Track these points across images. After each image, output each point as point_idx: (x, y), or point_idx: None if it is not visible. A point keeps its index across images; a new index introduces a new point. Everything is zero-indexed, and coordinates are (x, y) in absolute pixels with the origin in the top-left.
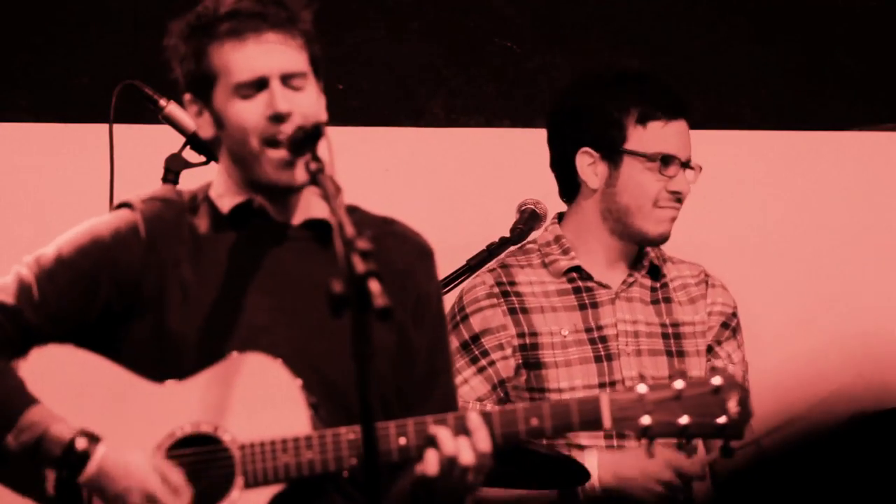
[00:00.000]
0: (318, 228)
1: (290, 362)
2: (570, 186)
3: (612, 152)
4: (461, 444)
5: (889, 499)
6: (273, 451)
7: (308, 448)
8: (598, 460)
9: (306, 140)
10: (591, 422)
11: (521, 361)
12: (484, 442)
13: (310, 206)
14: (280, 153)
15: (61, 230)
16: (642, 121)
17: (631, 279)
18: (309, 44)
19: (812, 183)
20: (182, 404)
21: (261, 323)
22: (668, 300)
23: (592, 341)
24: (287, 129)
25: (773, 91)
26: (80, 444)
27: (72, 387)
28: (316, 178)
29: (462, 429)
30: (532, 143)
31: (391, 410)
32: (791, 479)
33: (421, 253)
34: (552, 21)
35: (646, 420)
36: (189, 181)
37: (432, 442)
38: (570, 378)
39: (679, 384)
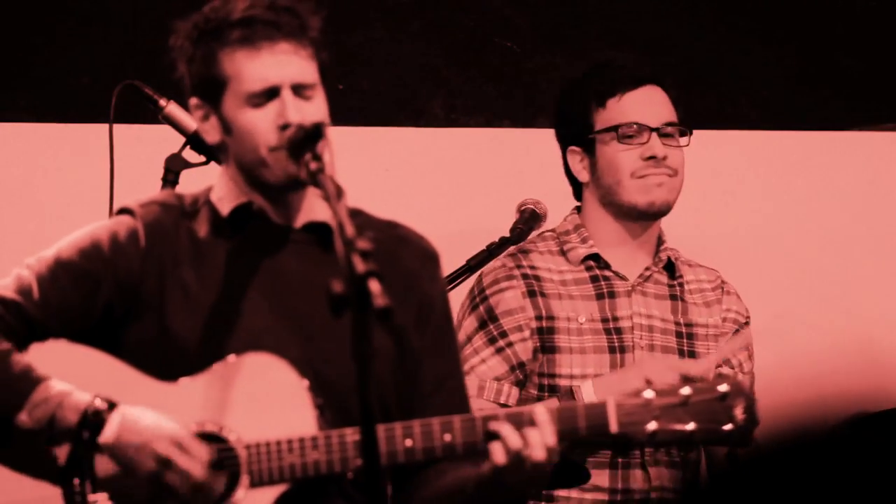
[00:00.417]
0: (319, 231)
1: (291, 365)
2: (575, 186)
3: (586, 142)
4: (531, 436)
5: (890, 500)
6: (279, 451)
7: (314, 448)
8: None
9: (306, 140)
10: (598, 426)
11: (538, 345)
12: (550, 436)
13: (311, 209)
14: (283, 154)
15: (61, 230)
16: (600, 102)
17: (648, 273)
18: (318, 53)
19: (812, 183)
20: (187, 403)
21: (261, 326)
22: (683, 299)
23: (608, 331)
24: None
25: (773, 91)
26: (98, 404)
27: (76, 382)
28: (316, 177)
29: (526, 423)
30: (532, 144)
31: (390, 414)
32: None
33: (426, 257)
34: (552, 21)
35: (652, 425)
36: (189, 181)
37: (493, 437)
38: (583, 365)
39: (686, 390)
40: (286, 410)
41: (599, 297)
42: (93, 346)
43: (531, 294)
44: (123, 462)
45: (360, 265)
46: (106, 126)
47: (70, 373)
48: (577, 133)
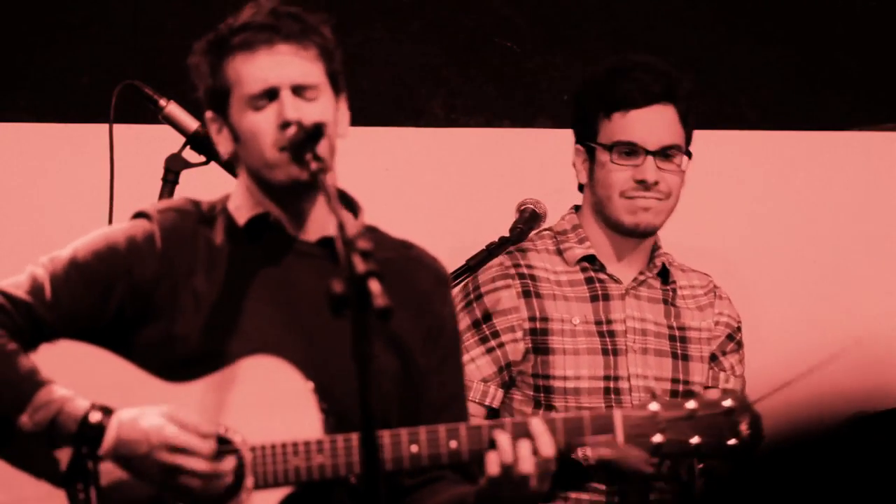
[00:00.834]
0: (334, 246)
1: (297, 369)
2: (579, 182)
3: (588, 147)
4: (521, 449)
5: (890, 499)
6: (284, 454)
7: (319, 452)
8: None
9: (307, 140)
10: (604, 437)
11: (530, 346)
12: (547, 447)
13: (326, 224)
14: (285, 155)
15: (61, 230)
16: (607, 113)
17: (642, 277)
18: (325, 56)
19: (812, 183)
20: (193, 404)
21: (271, 337)
22: (675, 304)
23: (601, 334)
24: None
25: (773, 91)
26: (94, 417)
27: (83, 382)
28: (317, 177)
29: (523, 434)
30: (532, 143)
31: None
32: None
33: (438, 279)
34: (552, 21)
35: (658, 438)
36: (189, 181)
37: (492, 446)
38: (576, 367)
39: (692, 404)
40: (292, 414)
41: (594, 299)
42: (101, 346)
43: (526, 294)
44: (127, 468)
45: (359, 265)
46: (106, 126)
47: (78, 372)
48: (583, 134)
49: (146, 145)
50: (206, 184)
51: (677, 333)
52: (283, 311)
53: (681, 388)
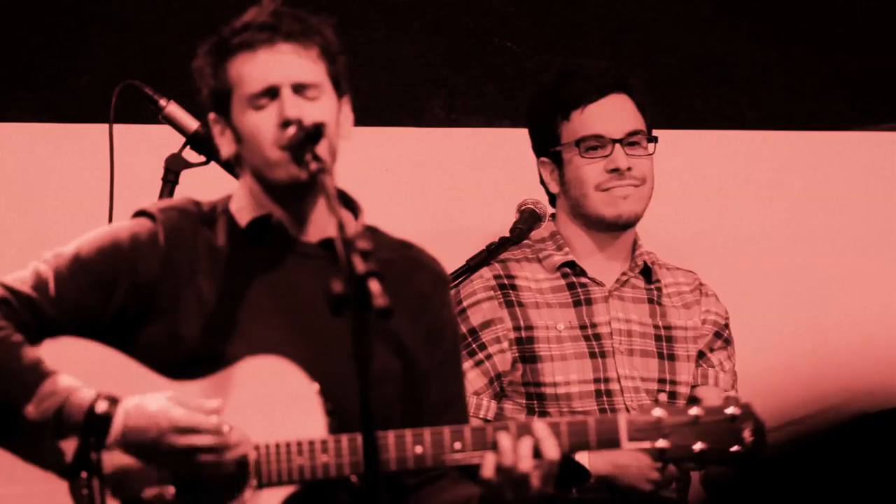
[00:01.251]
0: (335, 247)
1: (302, 369)
2: (550, 195)
3: (554, 154)
4: (521, 448)
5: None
6: (288, 453)
7: (323, 451)
8: (588, 456)
9: (306, 139)
10: (608, 441)
11: (517, 355)
12: (552, 449)
13: (328, 226)
14: (286, 154)
15: (62, 229)
16: (565, 114)
17: (624, 278)
18: (327, 57)
19: (812, 183)
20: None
21: (273, 338)
22: (661, 303)
23: (587, 338)
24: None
25: (772, 91)
26: (101, 406)
27: (88, 379)
28: (316, 178)
29: (525, 434)
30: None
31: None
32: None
33: (437, 280)
34: (552, 21)
35: (662, 443)
36: (189, 181)
37: (494, 447)
38: (565, 372)
39: (696, 410)
40: (296, 414)
41: (577, 303)
42: (104, 344)
43: (509, 304)
44: (136, 455)
45: (359, 265)
46: (106, 126)
47: (83, 369)
48: (545, 144)
49: (146, 145)
50: (205, 184)
51: (663, 333)
52: (285, 313)
53: (667, 388)
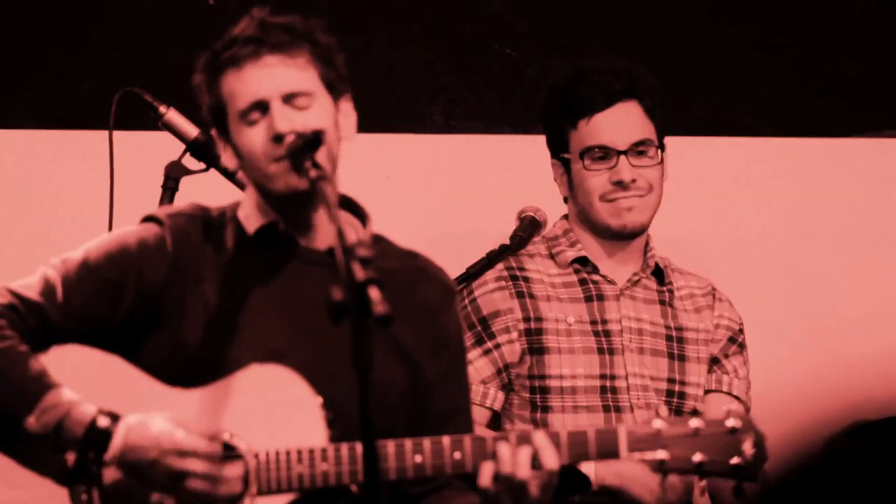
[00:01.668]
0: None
1: (304, 379)
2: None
3: (562, 160)
4: (520, 455)
5: None
6: (288, 461)
7: (323, 460)
8: (594, 466)
9: (305, 147)
10: (608, 452)
11: (525, 346)
12: (551, 459)
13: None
14: (284, 164)
15: (62, 237)
16: (573, 122)
17: (636, 278)
18: (319, 61)
19: (813, 189)
20: (198, 410)
21: (279, 346)
22: (672, 305)
23: (596, 333)
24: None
25: (773, 97)
26: (102, 422)
27: (90, 387)
28: (316, 185)
29: (524, 444)
30: (532, 150)
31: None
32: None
33: (444, 291)
34: (552, 27)
35: (661, 454)
36: (189, 188)
37: (493, 457)
38: (572, 365)
39: (696, 422)
40: (298, 423)
41: (588, 299)
42: (109, 351)
43: (519, 295)
44: (132, 474)
45: (359, 272)
46: (106, 133)
47: (86, 378)
48: (554, 148)
49: (146, 152)
50: (206, 191)
51: (674, 334)
52: (291, 320)
53: (676, 387)
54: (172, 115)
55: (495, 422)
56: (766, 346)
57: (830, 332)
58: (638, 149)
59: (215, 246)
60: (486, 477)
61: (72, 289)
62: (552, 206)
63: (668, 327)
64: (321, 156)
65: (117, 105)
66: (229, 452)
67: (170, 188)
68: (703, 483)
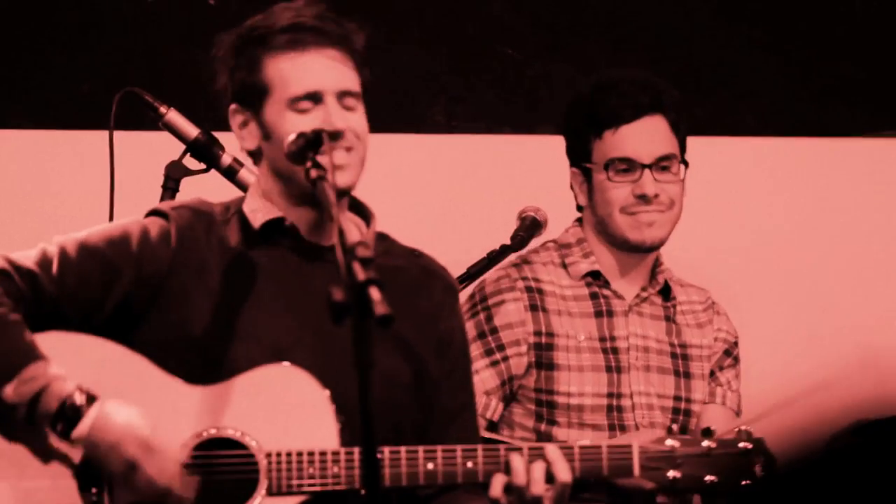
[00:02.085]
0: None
1: (315, 378)
2: (578, 203)
3: (584, 169)
4: (535, 471)
5: None
6: (299, 462)
7: (335, 463)
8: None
9: (307, 147)
10: (621, 469)
11: (533, 360)
12: (564, 472)
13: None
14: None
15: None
16: (598, 132)
17: (644, 294)
18: (360, 66)
19: (814, 190)
20: (210, 407)
21: (285, 341)
22: (675, 321)
23: (605, 351)
24: (341, 145)
25: (774, 98)
26: (78, 399)
27: (98, 377)
28: (316, 184)
29: (538, 458)
30: (533, 150)
31: (405, 440)
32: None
33: (447, 289)
34: (553, 28)
35: (673, 473)
36: (189, 188)
37: (506, 468)
38: (580, 384)
39: (708, 443)
40: (309, 422)
41: (598, 314)
42: (109, 338)
43: (533, 308)
44: (93, 453)
45: (360, 273)
46: (106, 133)
47: (94, 367)
48: (576, 157)
49: (146, 152)
50: (206, 191)
51: (679, 351)
52: (296, 315)
53: (682, 405)
54: (173, 116)
55: (490, 430)
56: (766, 346)
57: (830, 332)
58: (662, 164)
59: (221, 240)
60: (497, 488)
61: (67, 264)
62: (553, 206)
63: (672, 344)
64: (354, 160)
65: (118, 105)
66: (239, 450)
67: (170, 188)
68: None
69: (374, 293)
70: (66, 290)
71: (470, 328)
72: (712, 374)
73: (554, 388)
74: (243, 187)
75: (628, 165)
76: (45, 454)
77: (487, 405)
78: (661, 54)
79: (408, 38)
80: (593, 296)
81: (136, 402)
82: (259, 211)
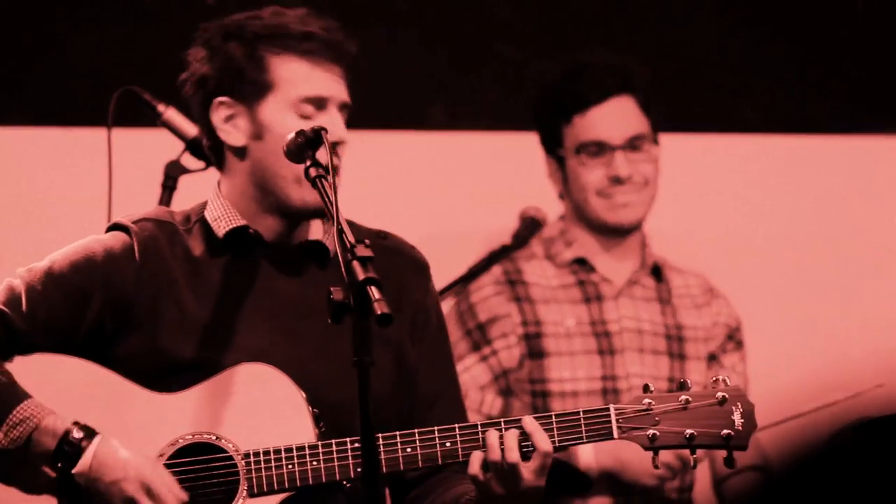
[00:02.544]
0: (314, 250)
1: (287, 376)
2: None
3: (557, 156)
4: (507, 440)
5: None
6: (277, 460)
7: (313, 457)
8: (593, 449)
9: (306, 145)
10: (600, 432)
11: (525, 351)
12: (544, 442)
13: (308, 228)
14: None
15: (60, 234)
16: (567, 117)
17: (634, 277)
18: (350, 84)
19: (815, 187)
20: (184, 413)
21: (258, 345)
22: (671, 303)
23: (596, 335)
24: (336, 158)
25: (775, 95)
26: (76, 434)
27: (70, 394)
28: (316, 184)
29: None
30: (533, 149)
31: (389, 429)
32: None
33: (417, 267)
34: (553, 26)
35: (652, 431)
36: (187, 186)
37: (483, 444)
38: (573, 369)
39: (685, 396)
40: (284, 420)
41: (587, 300)
42: (83, 358)
43: (517, 299)
44: (96, 493)
45: (360, 272)
46: (104, 131)
47: (65, 385)
48: (548, 144)
49: (145, 150)
50: (204, 189)
51: (673, 332)
52: (268, 319)
53: (676, 387)
54: (171, 114)
55: None
56: (764, 344)
57: (830, 331)
58: (633, 143)
59: (184, 250)
60: (475, 465)
61: (36, 298)
62: (553, 205)
63: (667, 326)
64: (320, 154)
65: (116, 103)
66: (219, 455)
67: (169, 187)
68: (698, 454)
69: (374, 292)
70: (37, 325)
71: (456, 327)
72: (715, 357)
73: (546, 375)
74: None
75: (599, 148)
76: (15, 481)
77: (483, 400)
78: (662, 52)
79: (408, 35)
80: (580, 283)
81: (111, 418)
82: (221, 219)
